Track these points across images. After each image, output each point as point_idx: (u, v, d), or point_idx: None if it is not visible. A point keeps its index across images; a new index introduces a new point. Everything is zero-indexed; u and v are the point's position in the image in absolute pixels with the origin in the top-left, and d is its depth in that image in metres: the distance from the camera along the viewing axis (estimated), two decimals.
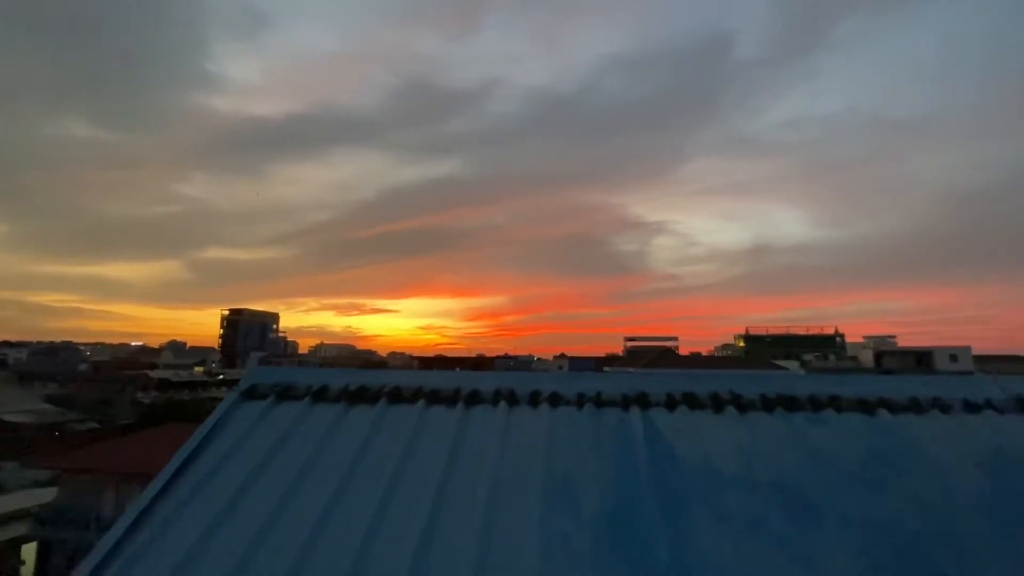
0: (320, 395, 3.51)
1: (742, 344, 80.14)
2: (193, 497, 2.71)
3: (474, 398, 3.39)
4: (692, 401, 3.24)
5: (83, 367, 78.39)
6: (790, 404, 3.17)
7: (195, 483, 2.80)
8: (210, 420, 3.28)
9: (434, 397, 3.43)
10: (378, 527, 2.46)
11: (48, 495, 21.93)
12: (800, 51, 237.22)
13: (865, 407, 3.13)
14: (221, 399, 3.75)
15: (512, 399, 3.36)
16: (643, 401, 3.25)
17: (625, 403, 3.25)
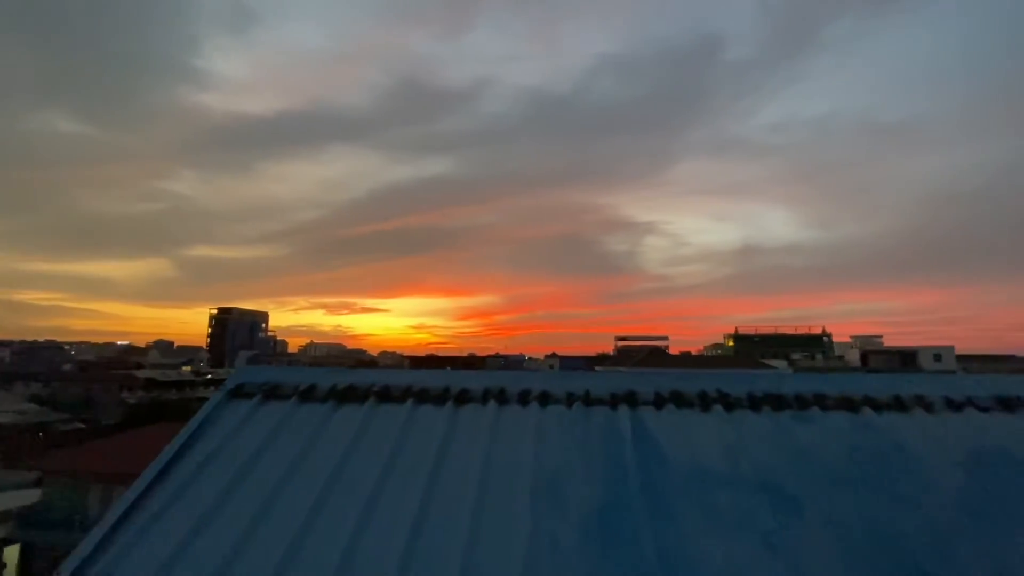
0: (308, 394, 3.49)
1: (731, 343, 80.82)
2: (178, 496, 2.68)
3: (463, 397, 3.38)
4: (680, 400, 3.26)
5: (67, 367, 77.19)
6: (777, 403, 3.20)
7: (180, 482, 2.77)
8: (196, 419, 3.24)
9: (423, 396, 3.42)
10: (365, 527, 2.45)
11: (32, 496, 21.56)
12: (789, 54, 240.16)
13: (850, 406, 3.16)
14: (209, 399, 3.71)
15: (501, 398, 3.36)
16: (632, 400, 3.27)
17: (614, 402, 3.26)
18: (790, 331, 78.75)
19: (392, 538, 2.37)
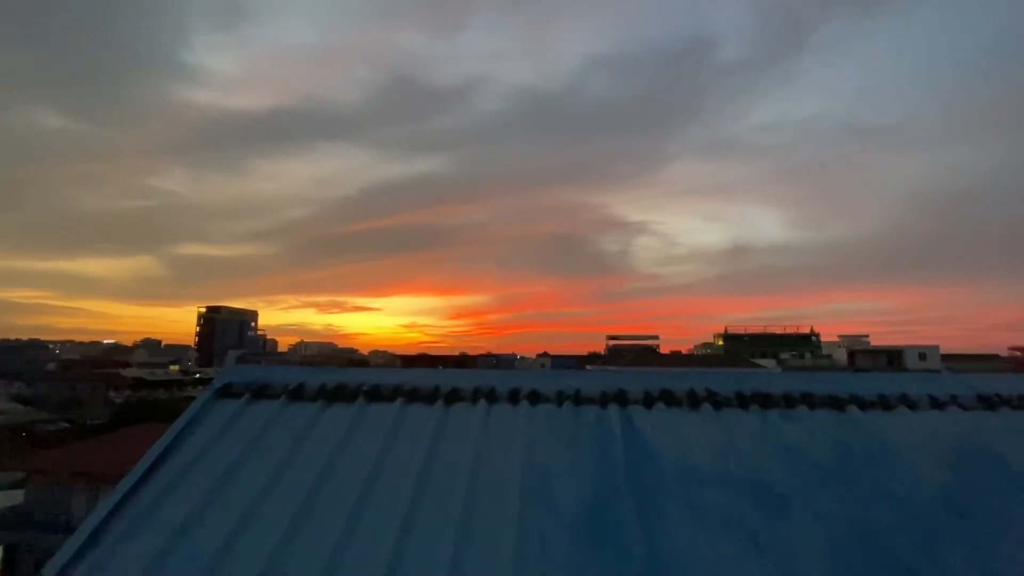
0: (296, 394, 3.46)
1: (721, 343, 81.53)
2: (165, 497, 2.65)
3: (454, 396, 3.38)
4: (669, 398, 3.28)
5: (52, 365, 76.05)
6: (764, 401, 3.23)
7: (167, 482, 2.74)
8: (182, 419, 3.21)
9: (413, 395, 3.41)
10: (354, 526, 2.44)
11: (15, 497, 21.24)
12: (780, 56, 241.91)
13: (836, 404, 3.20)
14: (196, 398, 3.67)
15: (492, 397, 3.36)
16: (621, 398, 3.28)
17: (604, 400, 3.27)
18: (779, 331, 79.69)
19: (381, 537, 2.37)
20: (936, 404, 3.21)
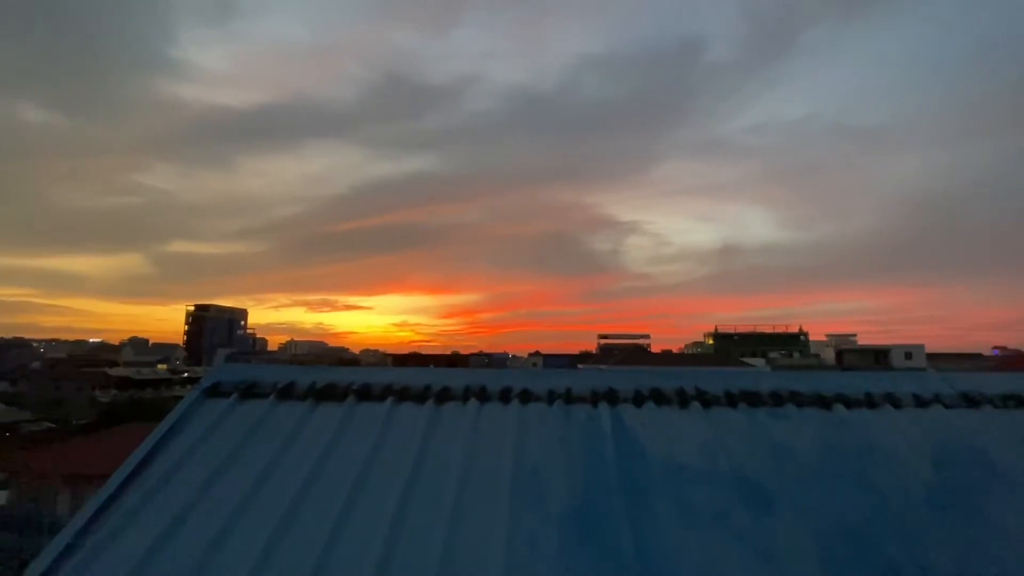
0: (286, 393, 3.44)
1: (711, 342, 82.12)
2: (151, 497, 2.62)
3: (445, 395, 3.38)
4: (659, 397, 3.30)
5: (36, 364, 74.84)
6: (753, 400, 3.26)
7: (154, 482, 2.71)
8: (170, 418, 3.17)
9: (404, 394, 3.40)
10: (344, 526, 2.43)
11: None
12: (769, 57, 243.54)
13: (823, 402, 3.24)
14: (184, 398, 3.63)
15: (483, 396, 3.36)
16: (612, 397, 3.30)
17: (594, 399, 3.29)
18: (768, 330, 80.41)
19: (371, 537, 2.36)
20: (920, 402, 3.26)
